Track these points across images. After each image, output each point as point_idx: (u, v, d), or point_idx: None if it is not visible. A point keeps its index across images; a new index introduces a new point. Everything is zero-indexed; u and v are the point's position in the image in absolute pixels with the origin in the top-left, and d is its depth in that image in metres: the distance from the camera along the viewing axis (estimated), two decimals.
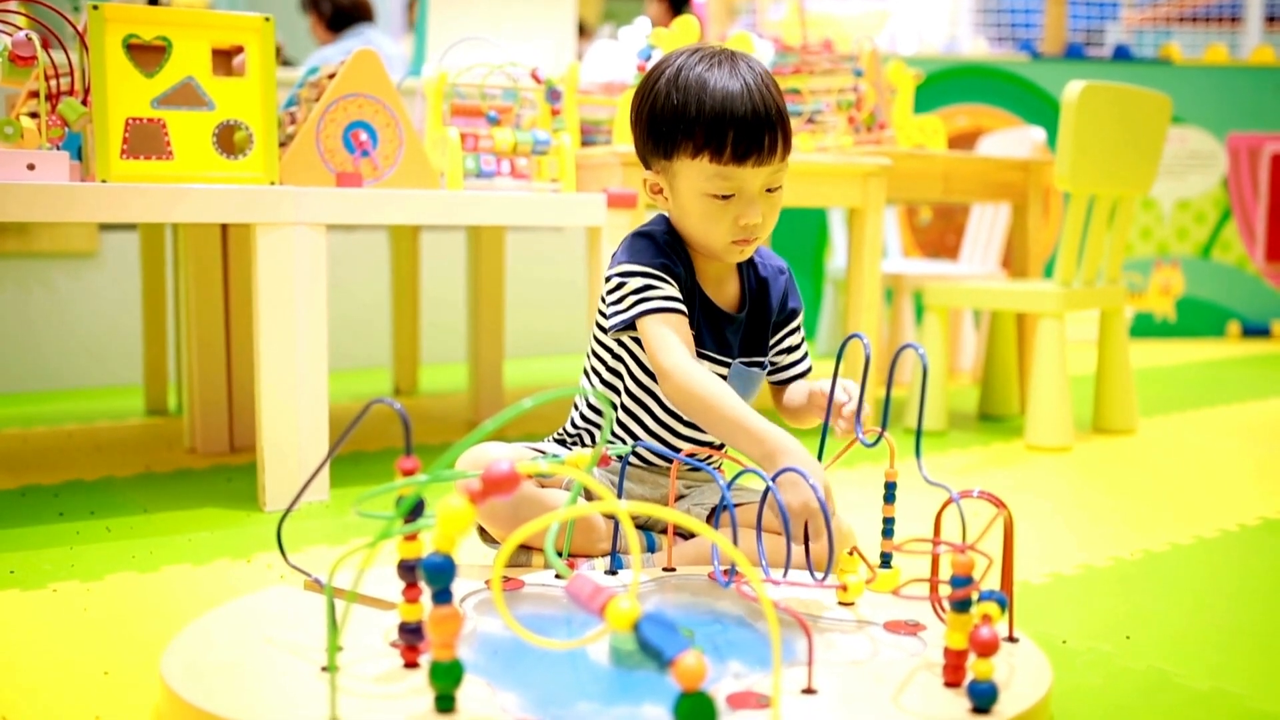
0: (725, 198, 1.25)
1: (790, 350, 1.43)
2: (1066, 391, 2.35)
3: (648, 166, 1.32)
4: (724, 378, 1.35)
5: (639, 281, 1.28)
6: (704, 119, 1.22)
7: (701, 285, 1.34)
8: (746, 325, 1.38)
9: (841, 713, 0.90)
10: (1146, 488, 2.05)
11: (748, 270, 1.39)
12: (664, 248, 1.31)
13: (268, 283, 1.73)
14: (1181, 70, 4.63)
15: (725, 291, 1.37)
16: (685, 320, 1.28)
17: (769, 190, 1.27)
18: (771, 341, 1.42)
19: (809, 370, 1.44)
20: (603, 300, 1.34)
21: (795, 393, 1.43)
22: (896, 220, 4.41)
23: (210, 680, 0.94)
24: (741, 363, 1.37)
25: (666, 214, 1.35)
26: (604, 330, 1.34)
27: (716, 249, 1.30)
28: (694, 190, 1.26)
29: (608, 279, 1.32)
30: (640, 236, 1.33)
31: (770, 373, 1.44)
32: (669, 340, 1.24)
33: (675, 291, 1.28)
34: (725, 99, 1.22)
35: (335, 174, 1.84)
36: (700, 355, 1.32)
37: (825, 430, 1.27)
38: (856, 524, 1.33)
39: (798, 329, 1.44)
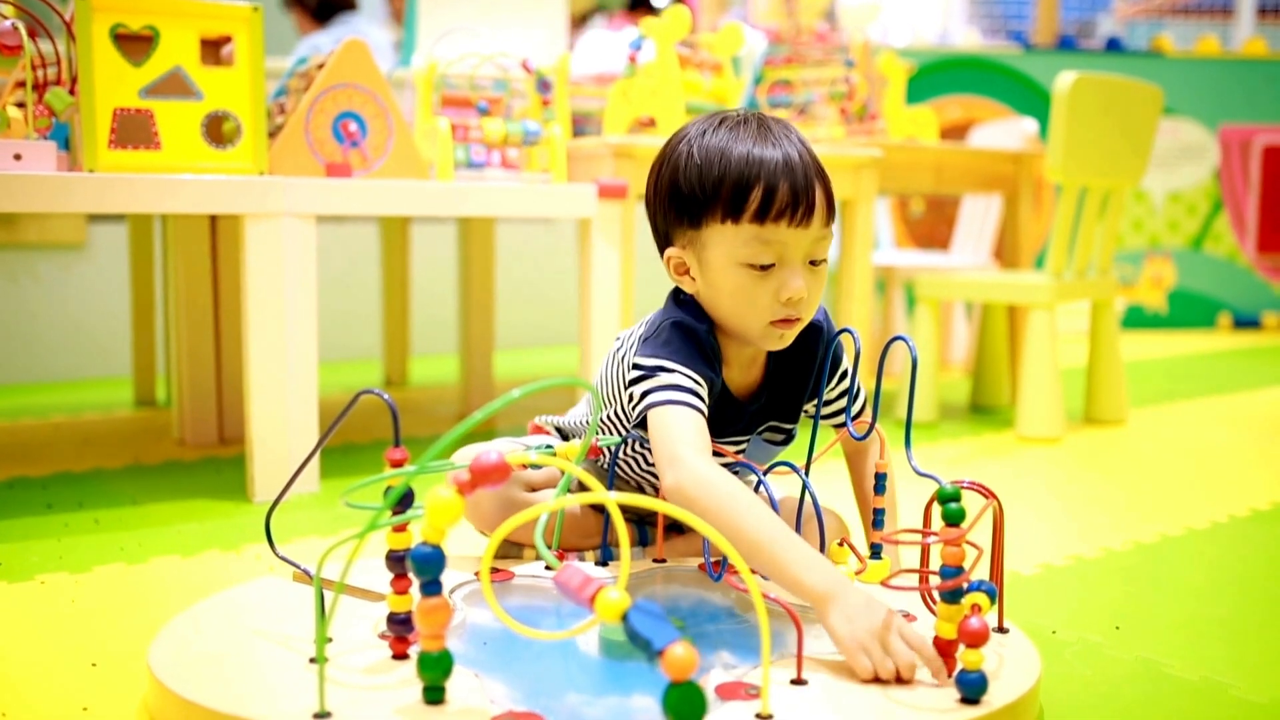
0: (765, 268, 1.09)
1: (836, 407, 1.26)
2: (1057, 383, 2.35)
3: (671, 242, 1.16)
4: (742, 451, 1.24)
5: (671, 378, 1.11)
6: (740, 176, 1.08)
7: (725, 378, 1.19)
8: (768, 402, 1.23)
9: (830, 704, 0.90)
10: (1137, 479, 2.05)
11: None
12: (707, 351, 1.14)
13: (257, 274, 1.73)
14: (1173, 62, 4.64)
15: (750, 375, 1.22)
16: (704, 424, 1.11)
17: (812, 263, 1.12)
18: (827, 396, 1.25)
19: (848, 421, 1.23)
20: (622, 384, 1.20)
21: (856, 467, 1.28)
22: (888, 211, 4.41)
23: (198, 672, 0.94)
24: (761, 436, 1.25)
25: (693, 294, 1.17)
26: (627, 416, 1.23)
27: (753, 333, 1.13)
28: (729, 261, 1.10)
29: (636, 365, 1.14)
30: (680, 329, 1.14)
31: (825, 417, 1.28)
32: (684, 432, 1.07)
33: (703, 403, 1.12)
34: (761, 154, 1.09)
35: (324, 165, 1.83)
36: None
37: (816, 425, 1.27)
38: (846, 515, 1.33)
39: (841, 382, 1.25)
